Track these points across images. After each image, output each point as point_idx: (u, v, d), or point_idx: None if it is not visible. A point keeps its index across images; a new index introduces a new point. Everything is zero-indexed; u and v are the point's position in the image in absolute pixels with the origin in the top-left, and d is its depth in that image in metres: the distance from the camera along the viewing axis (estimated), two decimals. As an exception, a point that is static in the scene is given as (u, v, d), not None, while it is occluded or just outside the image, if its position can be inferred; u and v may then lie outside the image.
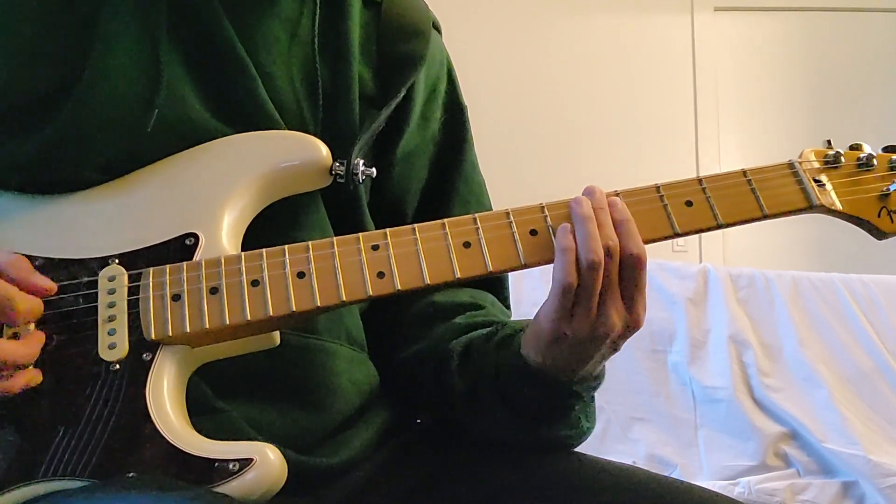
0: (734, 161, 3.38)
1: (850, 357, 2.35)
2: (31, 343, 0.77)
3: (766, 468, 2.13)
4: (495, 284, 1.07)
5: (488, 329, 0.95)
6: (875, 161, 0.93)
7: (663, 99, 3.38)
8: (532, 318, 0.90)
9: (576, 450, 0.96)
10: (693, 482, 0.98)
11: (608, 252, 0.81)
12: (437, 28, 1.06)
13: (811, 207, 0.90)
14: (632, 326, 0.84)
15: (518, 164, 3.13)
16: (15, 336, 0.77)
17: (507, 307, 1.08)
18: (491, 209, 1.07)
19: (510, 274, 0.93)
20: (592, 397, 0.93)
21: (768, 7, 3.52)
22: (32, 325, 0.78)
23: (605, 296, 0.82)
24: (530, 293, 2.12)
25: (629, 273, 0.83)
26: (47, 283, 0.79)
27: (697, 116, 3.39)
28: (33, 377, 0.77)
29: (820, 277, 2.51)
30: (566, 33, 3.37)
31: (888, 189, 0.92)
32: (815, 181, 0.91)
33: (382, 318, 1.02)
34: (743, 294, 2.45)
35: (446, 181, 1.05)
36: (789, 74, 3.49)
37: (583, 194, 0.86)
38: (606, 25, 3.40)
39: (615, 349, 0.86)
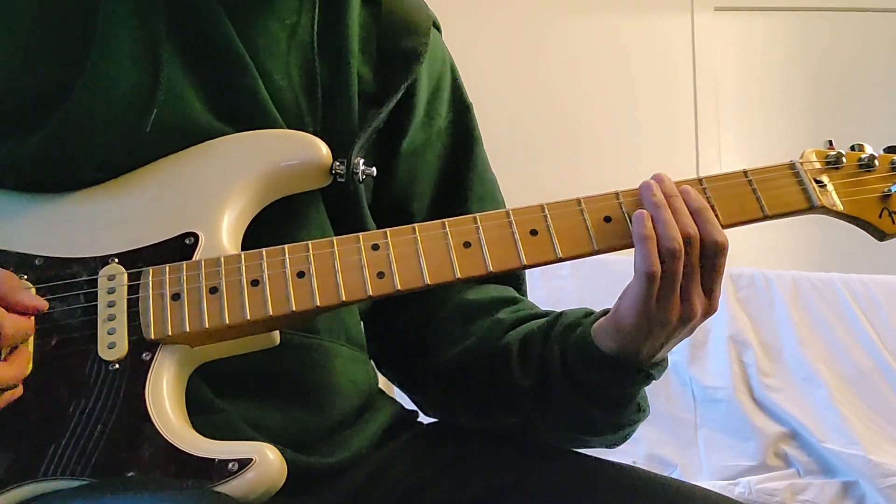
0: (734, 161, 3.37)
1: (850, 357, 2.35)
2: (20, 363, 0.76)
3: (766, 468, 2.13)
4: (515, 278, 1.06)
5: (544, 320, 0.95)
6: (876, 162, 0.93)
7: (663, 98, 3.37)
8: (582, 307, 0.92)
9: (575, 450, 0.96)
10: (693, 482, 0.98)
11: (688, 239, 0.82)
12: (437, 27, 1.06)
13: (812, 208, 0.90)
14: (710, 311, 0.85)
15: (518, 163, 3.12)
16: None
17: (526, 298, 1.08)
18: (505, 205, 1.07)
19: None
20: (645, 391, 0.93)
21: (768, 7, 3.51)
22: (30, 346, 0.78)
23: (687, 283, 0.82)
24: (530, 293, 2.12)
25: (710, 260, 0.83)
26: (37, 302, 0.78)
27: (697, 116, 3.39)
28: (14, 394, 0.76)
29: (820, 277, 2.51)
30: (565, 33, 3.36)
31: (889, 190, 0.92)
32: (817, 182, 0.91)
33: (404, 321, 1.01)
34: (743, 294, 2.44)
35: (460, 181, 1.05)
36: (789, 74, 3.49)
37: (648, 181, 0.86)
38: (606, 25, 3.40)
39: (690, 334, 0.87)
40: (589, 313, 0.92)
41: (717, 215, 0.86)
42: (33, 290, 0.81)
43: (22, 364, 0.77)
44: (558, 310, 0.98)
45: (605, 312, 0.89)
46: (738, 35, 3.49)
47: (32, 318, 0.78)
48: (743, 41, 3.50)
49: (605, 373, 0.87)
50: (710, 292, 0.84)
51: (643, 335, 0.84)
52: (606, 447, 0.96)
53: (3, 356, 0.76)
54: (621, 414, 0.91)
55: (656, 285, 0.81)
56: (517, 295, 1.04)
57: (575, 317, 0.93)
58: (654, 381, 0.90)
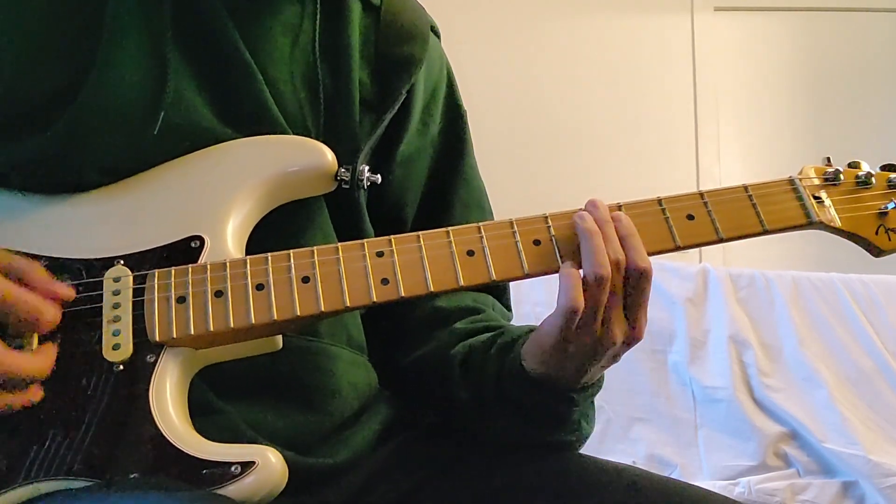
0: (734, 161, 3.37)
1: (850, 357, 2.35)
2: (48, 356, 0.77)
3: (766, 468, 2.13)
4: (497, 287, 1.07)
5: (488, 335, 0.96)
6: (873, 179, 0.95)
7: (663, 99, 3.37)
8: (532, 322, 0.92)
9: (574, 451, 0.97)
10: (693, 482, 0.98)
11: (615, 265, 0.82)
12: (435, 32, 1.07)
13: (810, 224, 0.91)
14: (633, 339, 0.85)
15: (517, 164, 3.12)
16: (19, 347, 0.77)
17: (509, 309, 1.09)
18: (491, 213, 1.08)
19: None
20: (592, 402, 0.94)
21: (768, 7, 3.51)
22: (35, 341, 0.78)
23: (609, 311, 0.83)
24: (529, 293, 2.12)
25: (634, 287, 0.84)
26: (67, 290, 0.79)
27: (697, 116, 3.39)
28: (35, 394, 0.76)
29: (820, 277, 2.51)
30: (564, 33, 3.36)
31: (886, 207, 0.93)
32: (815, 198, 0.92)
33: (386, 322, 1.02)
34: (743, 294, 2.45)
35: (447, 187, 1.05)
36: (789, 74, 3.49)
37: (585, 208, 0.87)
38: (606, 25, 3.40)
39: (615, 360, 0.87)
40: (530, 330, 0.92)
41: (717, 229, 0.88)
42: None
43: (50, 357, 0.77)
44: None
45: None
46: (738, 35, 3.49)
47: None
48: (743, 41, 3.50)
49: (530, 393, 0.89)
50: (634, 321, 0.85)
51: (561, 360, 0.85)
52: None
53: (33, 347, 0.77)
54: (556, 432, 0.92)
55: (577, 318, 0.82)
56: (487, 304, 1.04)
57: (515, 334, 0.94)
58: (598, 393, 0.92)
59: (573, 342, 0.83)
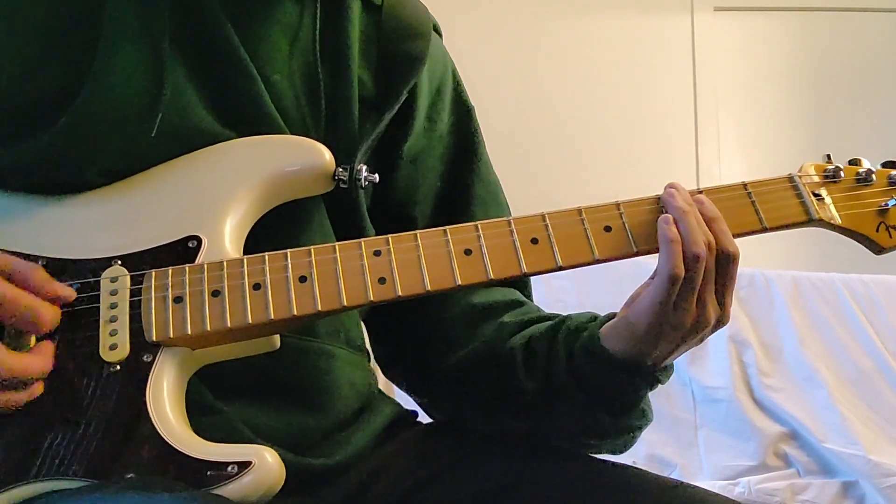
0: (734, 161, 3.38)
1: (850, 357, 2.35)
2: (47, 355, 0.77)
3: (766, 468, 2.13)
4: (520, 282, 1.07)
5: (549, 323, 0.96)
6: (874, 176, 0.94)
7: (663, 99, 3.37)
8: (587, 311, 0.93)
9: (574, 450, 0.97)
10: (693, 482, 0.98)
11: (708, 246, 0.83)
12: (437, 31, 1.07)
13: (810, 221, 0.91)
14: (723, 321, 0.86)
15: (517, 164, 3.12)
16: (18, 348, 0.77)
17: (531, 300, 1.08)
18: (508, 207, 1.07)
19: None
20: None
21: (768, 7, 3.51)
22: (32, 341, 0.78)
23: (703, 290, 0.84)
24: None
25: (724, 269, 0.84)
26: (67, 291, 0.79)
27: (697, 116, 3.39)
28: (35, 392, 0.77)
29: (820, 277, 2.51)
30: (565, 33, 3.36)
31: (886, 204, 0.93)
32: (815, 195, 0.92)
33: (413, 328, 1.01)
34: (743, 294, 2.45)
35: (463, 185, 1.05)
36: (790, 74, 3.49)
37: (666, 190, 0.87)
38: (606, 25, 3.40)
39: (699, 343, 0.87)
40: (594, 317, 0.92)
41: None
42: None
43: (49, 356, 0.77)
44: (558, 311, 0.99)
45: (611, 316, 0.90)
46: (738, 35, 3.49)
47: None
48: (743, 41, 3.50)
49: (613, 375, 0.88)
50: (724, 303, 0.85)
51: (656, 338, 0.85)
52: (611, 453, 0.96)
53: (30, 347, 0.77)
54: (626, 418, 0.91)
55: (677, 288, 0.82)
56: (522, 298, 1.04)
57: (581, 320, 0.93)
58: (666, 382, 0.91)
59: (672, 317, 0.83)
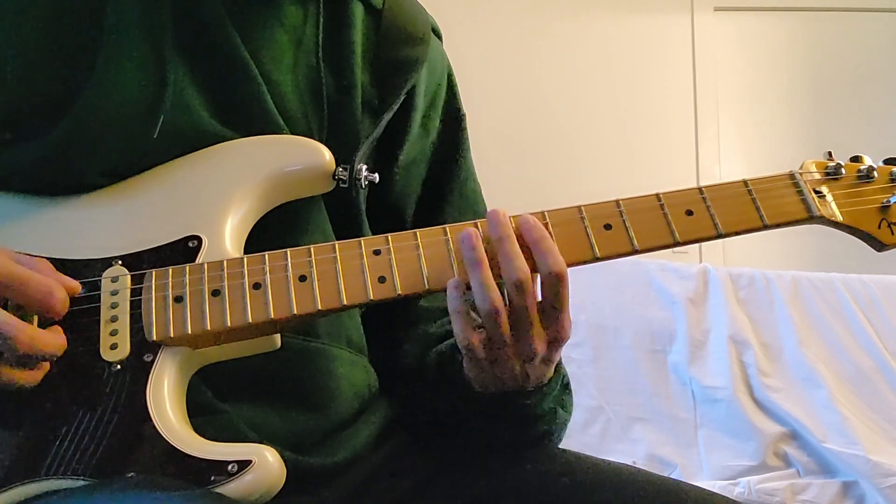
0: (734, 161, 3.38)
1: (850, 357, 2.35)
2: (61, 333, 0.78)
3: (766, 468, 2.13)
4: None
5: (449, 343, 0.95)
6: (875, 173, 0.94)
7: (663, 99, 3.38)
8: None
9: (574, 450, 0.97)
10: (693, 482, 0.98)
11: (519, 286, 0.80)
12: (437, 34, 1.07)
13: (811, 218, 0.90)
14: (559, 342, 0.84)
15: (517, 164, 3.13)
16: None
17: None
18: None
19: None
20: (564, 386, 0.93)
21: (768, 7, 3.52)
22: (35, 319, 0.78)
23: (519, 331, 0.81)
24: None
25: (550, 293, 0.81)
26: (72, 283, 0.80)
27: (697, 116, 3.39)
28: (43, 370, 0.77)
29: (820, 277, 2.51)
30: (565, 33, 3.36)
31: (888, 201, 0.92)
32: (816, 192, 0.91)
33: (381, 320, 1.02)
34: (743, 294, 2.45)
35: (442, 190, 1.05)
36: (790, 74, 3.49)
37: (463, 233, 0.83)
38: (606, 25, 3.40)
39: (548, 362, 0.86)
40: None
41: (716, 224, 0.87)
42: None
43: (62, 335, 0.77)
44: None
45: None
46: (738, 35, 3.50)
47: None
48: (743, 41, 3.50)
49: (491, 403, 0.88)
50: (558, 326, 0.83)
51: (496, 380, 0.85)
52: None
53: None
54: (533, 427, 0.91)
55: (481, 349, 0.82)
56: None
57: None
58: (552, 388, 0.90)
59: (493, 369, 0.83)
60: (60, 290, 0.77)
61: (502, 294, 0.81)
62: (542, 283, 0.81)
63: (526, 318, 0.81)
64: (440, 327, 1.00)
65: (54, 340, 0.76)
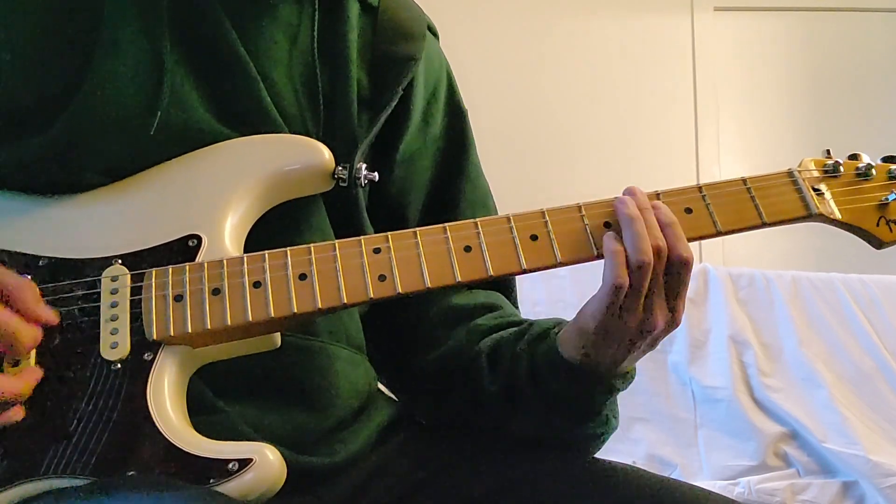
0: (734, 161, 3.38)
1: (850, 357, 2.35)
2: (29, 378, 0.77)
3: (766, 468, 2.13)
4: (505, 285, 1.08)
5: (516, 329, 0.97)
6: (874, 171, 0.94)
7: (663, 99, 3.38)
8: (553, 317, 0.93)
9: (573, 450, 0.97)
10: (693, 482, 0.98)
11: (657, 253, 0.83)
12: (433, 32, 1.07)
13: (810, 216, 0.91)
14: (672, 325, 0.86)
15: (516, 164, 3.13)
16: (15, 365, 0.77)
17: (516, 306, 1.09)
18: (496, 212, 1.08)
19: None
20: (616, 399, 0.94)
21: (768, 7, 3.52)
22: (33, 359, 0.78)
23: (651, 295, 0.84)
24: (529, 293, 2.12)
25: (675, 274, 0.84)
26: (50, 316, 0.79)
27: (697, 116, 3.39)
28: (15, 415, 0.76)
29: (820, 277, 2.51)
30: (565, 33, 3.36)
31: (887, 199, 0.93)
32: (815, 190, 0.92)
33: (399, 325, 1.02)
34: (743, 294, 2.45)
35: (452, 187, 1.05)
36: (790, 74, 3.49)
37: (624, 194, 0.87)
38: (606, 25, 3.40)
39: (652, 347, 0.88)
40: (559, 322, 0.93)
41: (714, 222, 0.88)
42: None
43: (31, 381, 0.77)
44: (558, 310, 0.99)
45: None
46: (738, 35, 3.50)
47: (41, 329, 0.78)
48: (743, 41, 3.50)
49: (569, 382, 0.89)
50: (674, 308, 0.85)
51: (605, 344, 0.86)
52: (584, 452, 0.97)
53: (10, 369, 0.77)
54: (586, 426, 0.92)
55: (622, 295, 0.83)
56: (501, 302, 1.05)
57: (545, 326, 0.94)
58: (624, 389, 0.92)
59: (617, 324, 0.84)
60: (26, 333, 0.76)
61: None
62: (668, 265, 0.84)
63: (657, 286, 0.84)
64: (491, 320, 1.00)
65: (12, 386, 0.75)
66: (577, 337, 0.87)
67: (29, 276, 0.81)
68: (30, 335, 0.77)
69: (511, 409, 0.94)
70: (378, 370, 1.07)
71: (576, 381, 0.88)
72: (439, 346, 1.00)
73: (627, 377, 0.91)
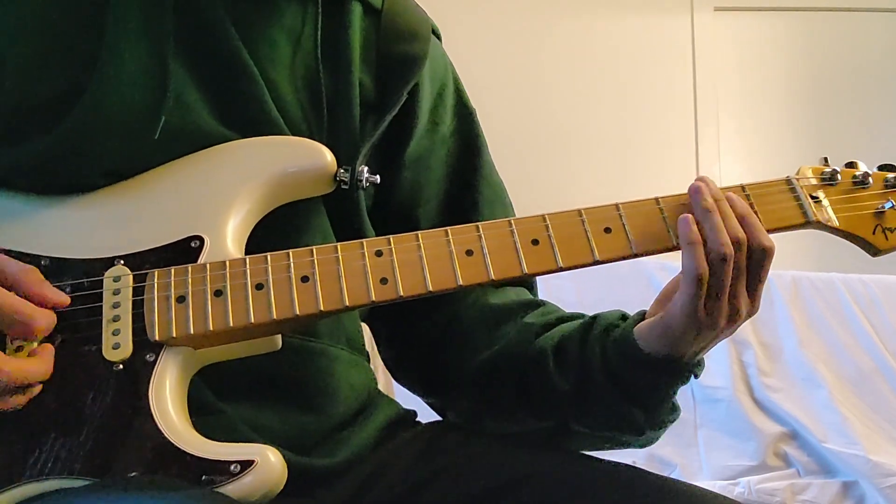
0: (734, 161, 3.38)
1: (850, 357, 2.35)
2: (48, 359, 0.77)
3: (766, 468, 2.13)
4: (527, 282, 1.07)
5: (578, 323, 0.96)
6: (870, 179, 0.95)
7: (663, 99, 3.38)
8: (616, 309, 0.94)
9: (573, 450, 0.97)
10: (693, 482, 0.98)
11: (737, 244, 0.83)
12: (436, 34, 1.07)
13: (808, 223, 0.92)
14: (753, 312, 0.86)
15: (517, 164, 3.12)
16: (19, 350, 0.77)
17: None
18: (512, 208, 1.08)
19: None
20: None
21: (768, 7, 3.52)
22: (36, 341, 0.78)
23: (734, 285, 0.84)
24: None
25: (757, 264, 0.85)
26: (61, 297, 0.79)
27: (697, 116, 3.39)
28: (35, 391, 0.77)
29: (820, 277, 2.51)
30: (565, 33, 3.36)
31: (883, 207, 0.94)
32: (812, 197, 0.93)
33: (423, 328, 1.02)
34: (743, 294, 2.44)
35: (469, 186, 1.05)
36: (790, 74, 3.49)
37: (696, 182, 0.87)
38: (606, 26, 3.40)
39: (732, 332, 0.88)
40: (624, 316, 0.93)
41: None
42: None
43: (49, 360, 0.77)
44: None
45: (642, 314, 0.91)
46: (738, 35, 3.50)
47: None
48: (743, 41, 3.50)
49: (649, 374, 0.88)
50: (755, 296, 0.86)
51: (692, 337, 0.85)
52: (640, 447, 0.97)
53: (31, 351, 0.77)
54: (658, 413, 0.92)
55: (704, 288, 0.83)
56: (536, 298, 1.04)
57: (612, 319, 0.93)
58: (700, 375, 0.92)
59: (704, 316, 0.84)
60: (40, 315, 0.77)
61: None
62: (749, 255, 0.85)
63: (739, 275, 0.84)
64: (541, 317, 0.99)
65: (35, 369, 0.76)
66: (663, 332, 0.86)
67: None
68: (43, 318, 0.77)
69: (584, 403, 0.92)
70: (404, 377, 1.07)
71: (656, 373, 0.88)
72: (486, 348, 0.99)
73: (703, 363, 0.91)
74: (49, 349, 0.78)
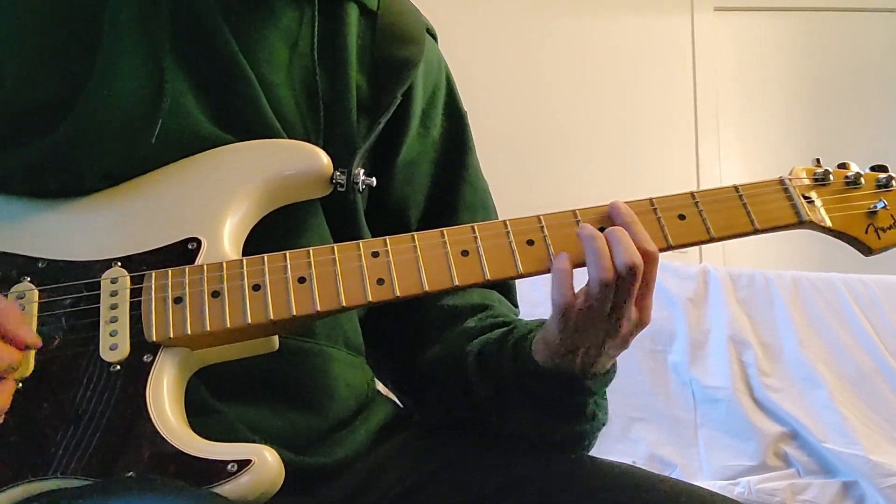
0: (734, 161, 3.38)
1: (850, 357, 2.35)
2: (4, 395, 0.76)
3: (766, 468, 2.13)
4: (504, 285, 1.07)
5: (500, 331, 0.96)
6: (862, 179, 0.96)
7: (663, 99, 3.38)
8: (536, 318, 0.93)
9: (573, 451, 0.97)
10: (693, 482, 0.98)
11: (631, 270, 0.82)
12: (432, 35, 1.07)
13: (801, 223, 0.92)
14: (641, 325, 0.86)
15: (516, 164, 3.13)
16: None
17: (515, 305, 1.09)
18: (496, 213, 1.08)
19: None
20: (605, 392, 0.94)
21: (768, 7, 3.52)
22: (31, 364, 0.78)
23: (618, 307, 0.83)
24: (529, 294, 2.11)
25: (646, 277, 0.84)
26: (32, 338, 0.78)
27: (697, 117, 3.39)
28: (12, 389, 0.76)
29: (820, 277, 2.51)
30: (564, 33, 3.36)
31: (875, 206, 0.94)
32: (805, 198, 0.93)
33: (402, 325, 1.02)
34: (743, 294, 2.45)
35: (451, 189, 1.05)
36: (790, 74, 3.49)
37: (610, 210, 0.87)
38: (606, 26, 3.40)
39: (624, 347, 0.88)
40: (542, 324, 0.92)
41: (707, 228, 0.89)
42: (35, 305, 0.81)
43: (6, 398, 0.76)
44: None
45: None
46: (738, 35, 3.50)
47: (22, 352, 0.78)
48: (743, 41, 3.50)
49: (546, 384, 0.89)
50: (642, 307, 0.85)
51: (570, 351, 0.86)
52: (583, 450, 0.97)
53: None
54: (573, 423, 0.92)
55: (573, 311, 0.83)
56: (494, 300, 1.05)
57: (526, 329, 0.94)
58: (603, 387, 0.92)
59: (577, 339, 0.84)
60: (5, 355, 0.76)
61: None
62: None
63: (626, 294, 0.83)
64: (480, 321, 1.00)
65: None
66: (544, 347, 0.87)
67: (28, 279, 0.82)
68: (5, 357, 0.76)
69: (504, 410, 0.94)
70: (381, 373, 1.07)
71: (552, 384, 0.89)
72: (430, 348, 1.00)
73: (607, 375, 0.91)
74: (8, 386, 0.77)
